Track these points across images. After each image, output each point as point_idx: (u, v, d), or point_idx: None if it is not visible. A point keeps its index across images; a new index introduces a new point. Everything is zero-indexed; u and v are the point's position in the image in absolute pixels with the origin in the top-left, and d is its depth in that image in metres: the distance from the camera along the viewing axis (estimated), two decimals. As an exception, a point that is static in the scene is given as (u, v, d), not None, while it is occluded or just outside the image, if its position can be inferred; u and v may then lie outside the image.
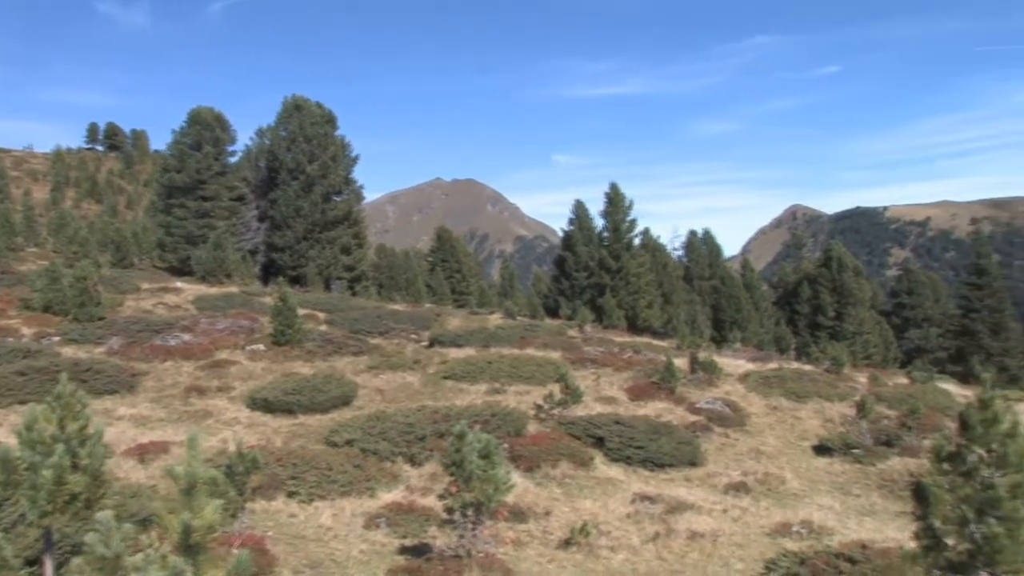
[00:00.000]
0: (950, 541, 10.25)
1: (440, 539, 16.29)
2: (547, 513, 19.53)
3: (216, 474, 14.63)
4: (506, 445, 23.61)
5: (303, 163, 63.10)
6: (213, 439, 23.90)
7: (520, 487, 20.81)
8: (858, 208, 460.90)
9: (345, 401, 29.27)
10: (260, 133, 67.50)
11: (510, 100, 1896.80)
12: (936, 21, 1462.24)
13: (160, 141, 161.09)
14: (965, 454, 10.17)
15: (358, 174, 68.89)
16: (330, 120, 66.71)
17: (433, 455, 21.89)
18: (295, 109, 64.97)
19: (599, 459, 24.92)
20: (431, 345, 40.63)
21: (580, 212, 66.06)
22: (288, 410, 27.75)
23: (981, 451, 10.11)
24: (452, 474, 14.71)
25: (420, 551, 15.99)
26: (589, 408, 29.61)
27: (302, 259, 62.74)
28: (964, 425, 10.21)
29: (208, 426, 26.19)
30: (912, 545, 10.82)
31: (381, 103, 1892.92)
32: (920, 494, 10.47)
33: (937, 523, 10.24)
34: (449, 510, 15.03)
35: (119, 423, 25.55)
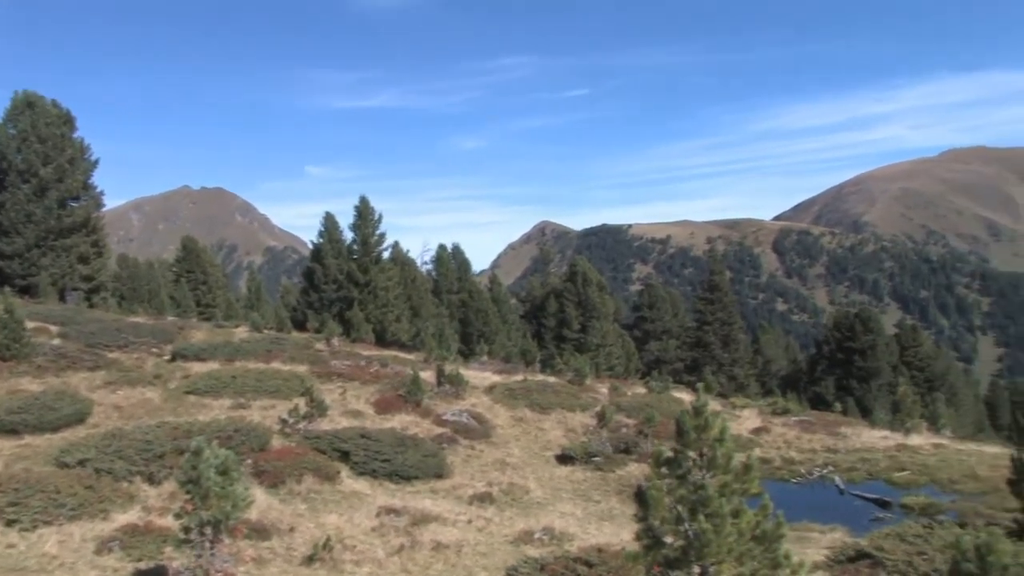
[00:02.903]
0: (668, 539, 10.91)
1: (177, 560, 15.68)
2: (291, 529, 19.21)
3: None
4: (250, 461, 23.13)
5: (36, 165, 59.24)
6: (-79, 467, 22.08)
7: (263, 503, 20.40)
8: (604, 225, 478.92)
9: (79, 419, 27.68)
10: (-15, 131, 62.88)
11: (262, 108, 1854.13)
12: (677, 53, 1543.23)
13: None
14: (681, 458, 10.86)
15: (99, 179, 65.55)
16: (67, 120, 62.95)
17: (173, 473, 21.05)
18: (27, 106, 60.88)
19: (345, 473, 24.76)
20: (174, 359, 39.15)
21: (330, 224, 65.41)
22: (12, 430, 25.94)
23: (694, 455, 10.83)
24: (189, 492, 14.24)
25: (156, 574, 15.38)
26: (335, 422, 29.43)
27: (33, 268, 58.88)
28: (680, 431, 10.91)
29: (-83, 452, 24.15)
30: (635, 545, 11.40)
31: (124, 104, 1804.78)
32: (641, 497, 11.08)
33: (656, 523, 10.89)
34: (186, 529, 14.51)
35: None
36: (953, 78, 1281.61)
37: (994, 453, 34.37)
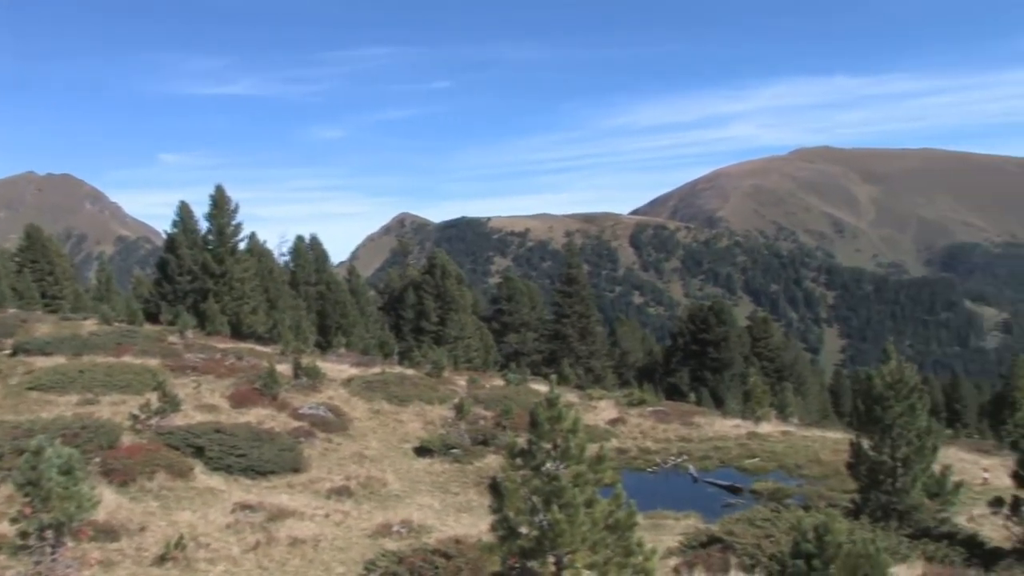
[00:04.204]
0: (523, 530, 11.01)
1: (13, 569, 14.98)
2: (142, 529, 18.64)
3: None
4: (98, 459, 22.47)
5: None
6: None
7: (112, 503, 19.75)
8: (464, 218, 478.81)
9: (-95, 419, 26.30)
10: None
11: (113, 92, 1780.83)
12: (537, 48, 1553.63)
13: None
14: (535, 449, 10.97)
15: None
16: None
17: (11, 475, 20.14)
18: None
19: (199, 469, 24.21)
20: (15, 354, 37.64)
21: (185, 214, 63.70)
22: None
23: (548, 446, 10.95)
24: (27, 494, 13.63)
25: (-11, 582, 14.70)
26: (189, 417, 28.78)
27: None
28: (534, 422, 11.02)
29: None
30: (491, 536, 11.46)
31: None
32: (496, 489, 11.15)
33: (511, 514, 10.99)
34: (23, 534, 13.87)
35: None
36: (802, 80, 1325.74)
37: (836, 439, 35.89)
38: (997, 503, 19.80)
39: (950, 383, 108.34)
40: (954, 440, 54.16)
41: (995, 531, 21.19)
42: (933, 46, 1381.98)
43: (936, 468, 21.88)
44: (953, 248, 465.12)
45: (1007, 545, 19.27)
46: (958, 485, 22.44)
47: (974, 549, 19.06)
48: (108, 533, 17.69)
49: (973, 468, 32.38)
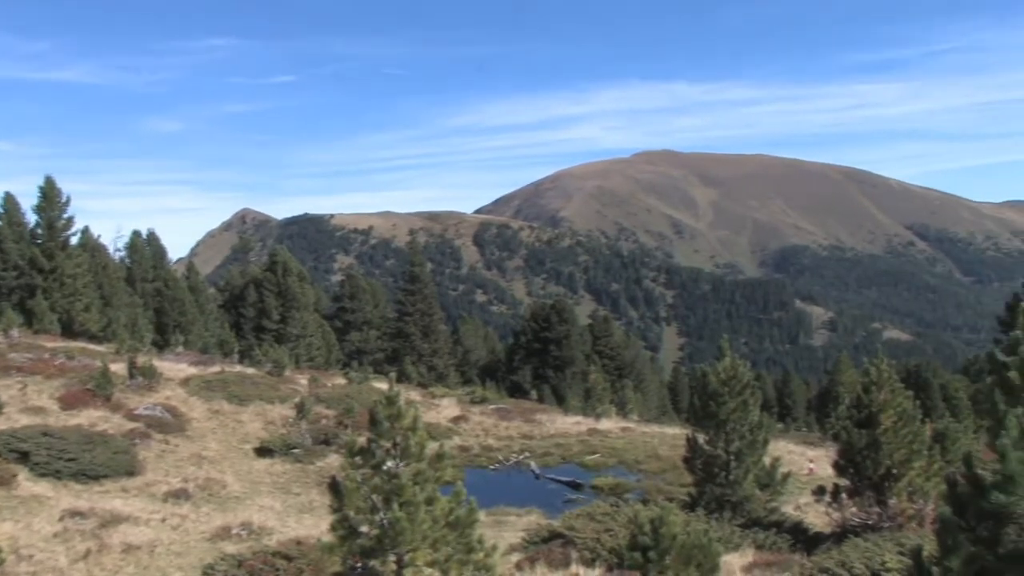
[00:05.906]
0: (364, 529, 11.00)
1: None
2: (-44, 541, 17.69)
3: None
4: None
5: None
6: None
7: (-78, 517, 18.72)
8: (306, 215, 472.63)
9: None
10: None
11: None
12: (381, 44, 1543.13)
13: None
14: (375, 448, 10.97)
15: None
16: None
17: None
18: None
19: (23, 476, 23.23)
20: None
21: (10, 206, 60.89)
22: None
23: (388, 444, 10.97)
24: None
25: None
26: (13, 420, 27.62)
27: None
28: (373, 421, 11.02)
29: None
30: (331, 537, 11.38)
31: None
32: (336, 488, 11.09)
33: (352, 513, 10.96)
34: None
35: None
36: (643, 85, 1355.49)
37: (674, 434, 37.00)
38: (820, 492, 21.03)
39: (781, 379, 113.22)
40: (784, 433, 56.48)
41: (818, 517, 22.55)
42: (764, 57, 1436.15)
43: (767, 461, 22.99)
44: (785, 250, 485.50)
45: (828, 530, 20.68)
46: (786, 476, 23.65)
47: (799, 535, 20.51)
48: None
49: (800, 459, 33.93)
